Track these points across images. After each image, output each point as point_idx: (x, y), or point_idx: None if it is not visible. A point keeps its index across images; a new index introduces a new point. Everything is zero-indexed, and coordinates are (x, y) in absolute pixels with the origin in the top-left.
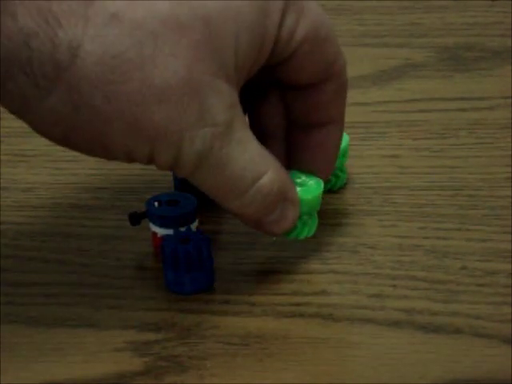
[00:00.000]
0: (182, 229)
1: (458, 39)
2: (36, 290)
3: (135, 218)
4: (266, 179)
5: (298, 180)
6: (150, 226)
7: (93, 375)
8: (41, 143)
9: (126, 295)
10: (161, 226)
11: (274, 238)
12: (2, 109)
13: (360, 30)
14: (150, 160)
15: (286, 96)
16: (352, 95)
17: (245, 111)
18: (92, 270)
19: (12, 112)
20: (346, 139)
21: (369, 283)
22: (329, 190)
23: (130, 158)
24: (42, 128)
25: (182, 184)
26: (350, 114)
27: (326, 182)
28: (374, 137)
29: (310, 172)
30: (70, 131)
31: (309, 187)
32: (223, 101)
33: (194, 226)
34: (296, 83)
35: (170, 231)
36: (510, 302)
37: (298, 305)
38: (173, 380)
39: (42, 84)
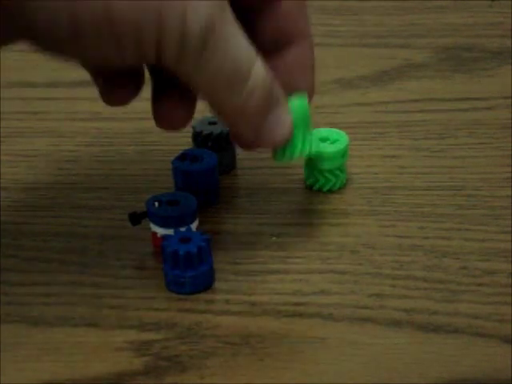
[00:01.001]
0: (182, 229)
1: (457, 40)
2: (36, 290)
3: (135, 218)
4: (258, 66)
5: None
6: (150, 225)
7: (93, 375)
8: (41, 143)
9: (127, 295)
10: (161, 225)
11: (274, 238)
12: (2, 109)
13: (360, 31)
14: (158, 43)
15: (248, 20)
16: (352, 95)
17: None
18: (92, 269)
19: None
20: (345, 139)
21: (369, 283)
22: (329, 190)
23: (138, 42)
24: (48, 16)
25: (183, 184)
26: (350, 114)
27: (326, 182)
28: (374, 137)
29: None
30: (77, 8)
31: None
32: None
33: (194, 226)
34: (254, 2)
35: (170, 231)
36: (509, 302)
37: (298, 304)
38: (173, 380)
39: None
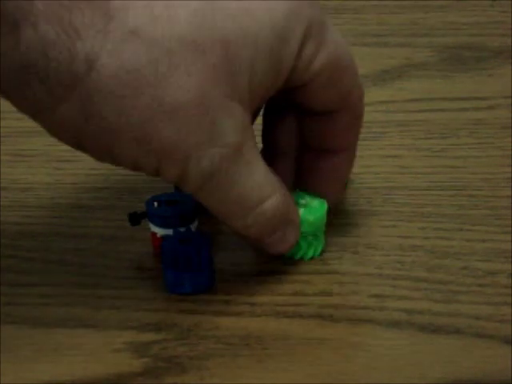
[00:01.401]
0: (182, 229)
1: (458, 39)
2: (36, 291)
3: (135, 218)
4: (270, 203)
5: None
6: (149, 226)
7: (92, 376)
8: (41, 143)
9: (126, 296)
10: (160, 226)
11: None
12: (2, 108)
13: (361, 30)
14: (156, 173)
15: (302, 118)
16: None
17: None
18: (92, 270)
19: (28, 115)
20: (323, 208)
21: (369, 283)
22: (301, 258)
23: (137, 169)
24: (55, 132)
25: None
26: None
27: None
28: (375, 137)
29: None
30: (81, 138)
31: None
32: (235, 123)
33: (193, 226)
34: (311, 109)
35: (169, 231)
36: (510, 303)
37: (298, 305)
38: (173, 381)
39: (57, 92)
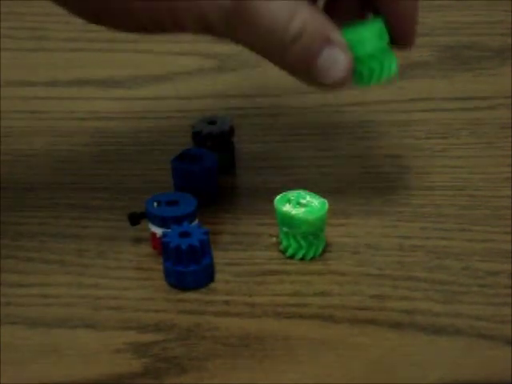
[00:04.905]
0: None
1: (459, 38)
2: (35, 291)
3: (135, 219)
4: (297, 21)
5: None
6: (149, 226)
7: (92, 376)
8: (41, 143)
9: (126, 296)
10: (160, 226)
11: (275, 239)
12: (2, 108)
13: None
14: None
15: None
16: (353, 94)
17: None
18: (91, 270)
19: None
20: (324, 208)
21: (370, 284)
22: (301, 259)
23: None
24: None
25: (182, 184)
26: (351, 114)
27: (298, 248)
28: (375, 136)
29: (318, 194)
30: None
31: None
32: None
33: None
34: None
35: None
36: (511, 303)
37: (298, 306)
38: (172, 381)
39: None
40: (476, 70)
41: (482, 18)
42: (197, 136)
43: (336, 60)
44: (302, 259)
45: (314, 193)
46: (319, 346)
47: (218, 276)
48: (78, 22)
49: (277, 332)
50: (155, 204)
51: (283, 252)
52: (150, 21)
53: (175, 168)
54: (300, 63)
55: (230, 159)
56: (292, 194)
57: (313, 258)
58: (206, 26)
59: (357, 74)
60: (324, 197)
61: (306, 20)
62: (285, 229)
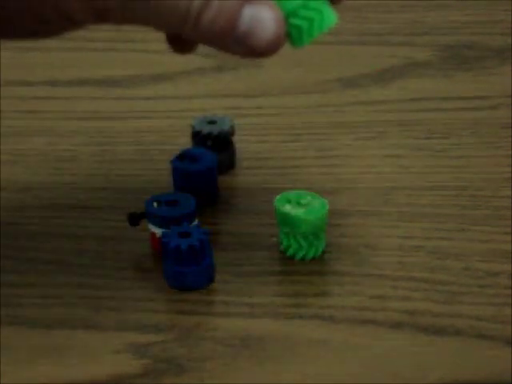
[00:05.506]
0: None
1: (460, 38)
2: (35, 292)
3: (134, 219)
4: None
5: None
6: (149, 226)
7: (92, 377)
8: (41, 143)
9: (125, 296)
10: (160, 226)
11: (275, 239)
12: (2, 108)
13: (361, 28)
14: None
15: None
16: (353, 94)
17: None
18: (91, 271)
19: None
20: (324, 207)
21: (370, 284)
22: (302, 259)
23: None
24: None
25: (182, 184)
26: (351, 114)
27: (298, 248)
28: (376, 136)
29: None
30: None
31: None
32: None
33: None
34: None
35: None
36: (511, 304)
37: (298, 306)
38: (172, 381)
39: None
40: (477, 69)
41: (482, 17)
42: (197, 136)
43: (260, 18)
44: (303, 259)
45: (314, 193)
46: (319, 346)
47: (218, 276)
48: None
49: (277, 332)
50: (155, 204)
51: (283, 252)
52: (36, 19)
53: (175, 168)
54: (217, 29)
55: (230, 159)
56: (292, 194)
57: (313, 258)
58: (99, 13)
59: (294, 31)
60: (324, 197)
61: None
62: (285, 229)
